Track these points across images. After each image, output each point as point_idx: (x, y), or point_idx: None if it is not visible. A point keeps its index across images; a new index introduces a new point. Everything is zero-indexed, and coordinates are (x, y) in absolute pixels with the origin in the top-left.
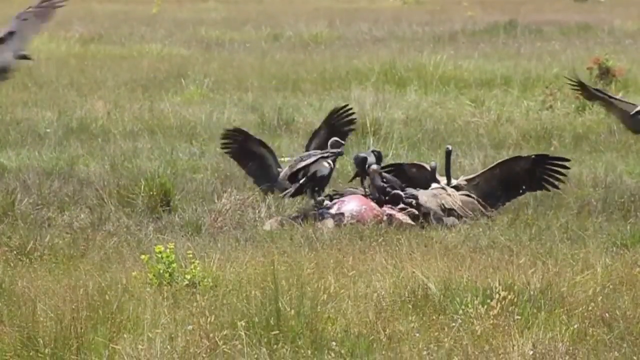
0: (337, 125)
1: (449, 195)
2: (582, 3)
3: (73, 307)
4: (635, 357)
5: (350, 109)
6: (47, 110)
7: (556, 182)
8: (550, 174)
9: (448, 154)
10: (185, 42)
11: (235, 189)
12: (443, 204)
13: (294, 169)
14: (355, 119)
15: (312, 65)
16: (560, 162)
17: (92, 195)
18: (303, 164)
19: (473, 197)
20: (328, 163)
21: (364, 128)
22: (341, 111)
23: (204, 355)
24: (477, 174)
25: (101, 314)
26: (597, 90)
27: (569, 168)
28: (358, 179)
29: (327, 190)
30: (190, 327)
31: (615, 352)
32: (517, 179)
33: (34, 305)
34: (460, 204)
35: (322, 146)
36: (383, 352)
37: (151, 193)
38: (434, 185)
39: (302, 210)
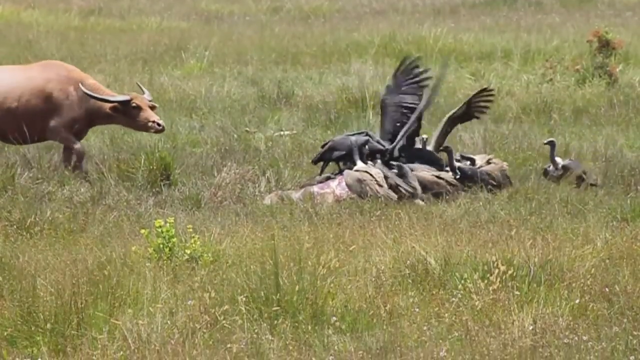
0: (475, 105)
1: (373, 179)
2: None
3: (73, 281)
4: (635, 332)
5: (491, 92)
6: None
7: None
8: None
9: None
10: (184, 15)
11: (235, 163)
12: (364, 193)
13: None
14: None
15: (311, 38)
16: (486, 94)
17: (92, 169)
18: None
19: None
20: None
21: (364, 101)
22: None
23: (205, 331)
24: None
25: (101, 288)
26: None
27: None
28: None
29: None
30: (190, 302)
31: (616, 327)
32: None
33: (34, 280)
34: (385, 189)
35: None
36: (383, 327)
37: (151, 167)
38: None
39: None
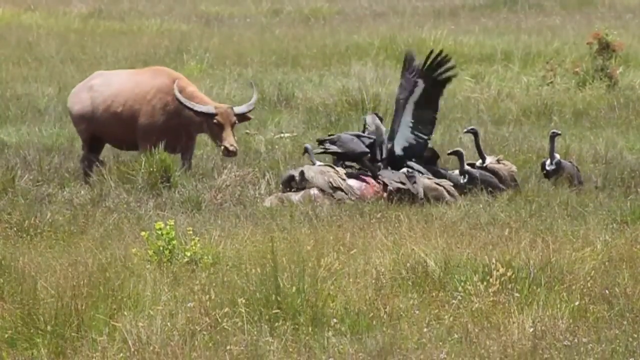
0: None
1: (337, 172)
2: None
3: (73, 283)
4: (635, 334)
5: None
6: (47, 86)
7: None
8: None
9: (475, 134)
10: (184, 17)
11: (235, 165)
12: (330, 182)
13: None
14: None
15: (312, 40)
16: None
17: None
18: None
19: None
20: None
21: (364, 104)
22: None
23: (205, 333)
24: None
25: (101, 290)
26: None
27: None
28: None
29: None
30: (190, 304)
31: (616, 330)
32: None
33: (34, 282)
34: (346, 183)
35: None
36: (383, 329)
37: (151, 169)
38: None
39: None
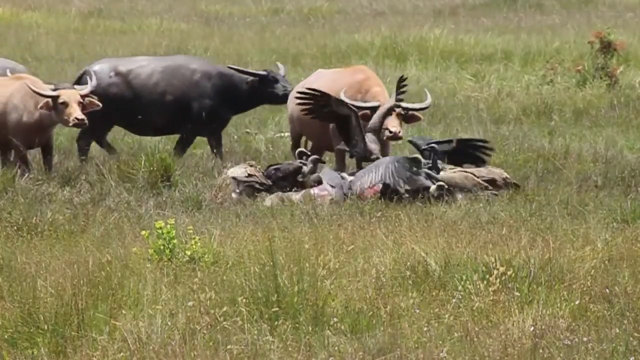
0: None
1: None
2: None
3: (73, 283)
4: (636, 333)
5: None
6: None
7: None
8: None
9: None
10: (184, 16)
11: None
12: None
13: None
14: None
15: (312, 39)
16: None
17: (93, 170)
18: None
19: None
20: None
21: None
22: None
23: (205, 332)
24: None
25: (102, 290)
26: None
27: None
28: None
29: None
30: (190, 303)
31: (616, 329)
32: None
33: (34, 281)
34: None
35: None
36: (383, 328)
37: (151, 168)
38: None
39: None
